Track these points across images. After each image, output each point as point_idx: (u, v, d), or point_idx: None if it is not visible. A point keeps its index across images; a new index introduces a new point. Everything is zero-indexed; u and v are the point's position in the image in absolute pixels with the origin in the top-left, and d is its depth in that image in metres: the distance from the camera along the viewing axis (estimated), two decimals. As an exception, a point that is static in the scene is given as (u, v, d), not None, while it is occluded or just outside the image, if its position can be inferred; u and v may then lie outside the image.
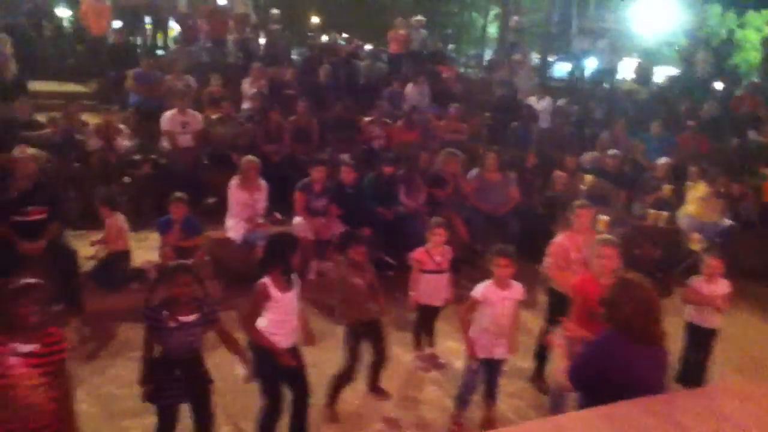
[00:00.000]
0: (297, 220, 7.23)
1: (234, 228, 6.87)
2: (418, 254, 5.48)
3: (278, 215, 7.30)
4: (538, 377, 5.50)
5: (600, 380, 3.12)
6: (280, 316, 4.11)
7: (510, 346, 4.69)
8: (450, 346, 6.03)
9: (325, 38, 14.46)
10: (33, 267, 5.82)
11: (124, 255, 6.46)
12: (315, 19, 27.79)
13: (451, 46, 25.95)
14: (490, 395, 4.80)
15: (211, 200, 7.77)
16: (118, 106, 10.06)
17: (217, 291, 6.59)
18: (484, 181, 7.81)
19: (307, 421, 4.40)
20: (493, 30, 35.66)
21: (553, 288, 5.28)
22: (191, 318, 3.81)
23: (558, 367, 4.44)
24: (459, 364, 5.74)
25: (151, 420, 4.06)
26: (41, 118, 8.25)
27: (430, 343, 5.88)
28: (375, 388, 5.15)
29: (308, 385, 4.39)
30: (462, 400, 4.78)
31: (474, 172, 7.95)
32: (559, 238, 5.25)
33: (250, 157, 6.89)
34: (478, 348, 4.59)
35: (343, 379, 4.82)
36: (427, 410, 5.09)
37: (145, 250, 6.92)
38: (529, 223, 8.05)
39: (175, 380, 3.86)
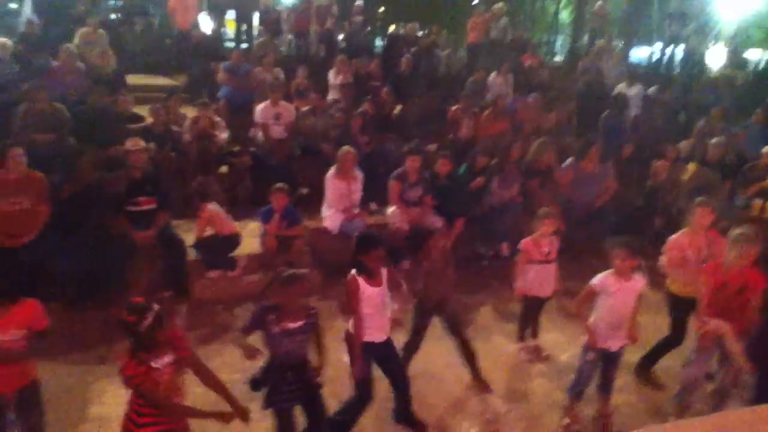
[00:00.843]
0: (391, 209, 7.24)
1: (330, 218, 6.94)
2: (525, 244, 5.40)
3: (374, 205, 7.31)
4: (645, 371, 5.34)
5: None
6: (370, 310, 4.13)
7: (630, 336, 4.55)
8: (553, 338, 5.94)
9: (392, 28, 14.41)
10: (145, 255, 6.12)
11: (234, 238, 6.58)
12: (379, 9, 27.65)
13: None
14: (605, 388, 4.68)
15: (304, 191, 7.87)
16: (206, 98, 10.33)
17: (317, 280, 6.71)
18: (580, 171, 7.61)
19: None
20: (564, 15, 34.88)
21: (669, 287, 5.11)
22: (298, 324, 3.79)
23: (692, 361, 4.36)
24: (564, 356, 5.69)
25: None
26: (136, 110, 8.55)
27: (533, 335, 5.80)
28: (478, 380, 5.15)
29: (405, 377, 4.48)
30: (576, 393, 4.68)
31: (569, 162, 7.75)
32: (678, 237, 5.05)
33: (347, 147, 6.93)
34: (596, 338, 4.48)
35: (408, 351, 4.91)
36: (536, 403, 5.02)
37: (247, 238, 7.07)
38: (626, 215, 7.82)
39: (289, 383, 3.87)
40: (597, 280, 4.47)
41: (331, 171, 6.93)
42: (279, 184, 6.49)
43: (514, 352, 5.74)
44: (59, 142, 7.16)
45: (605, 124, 9.36)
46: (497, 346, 5.82)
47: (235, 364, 5.25)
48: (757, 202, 7.81)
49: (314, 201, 7.58)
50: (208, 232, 6.41)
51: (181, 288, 6.24)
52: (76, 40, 9.76)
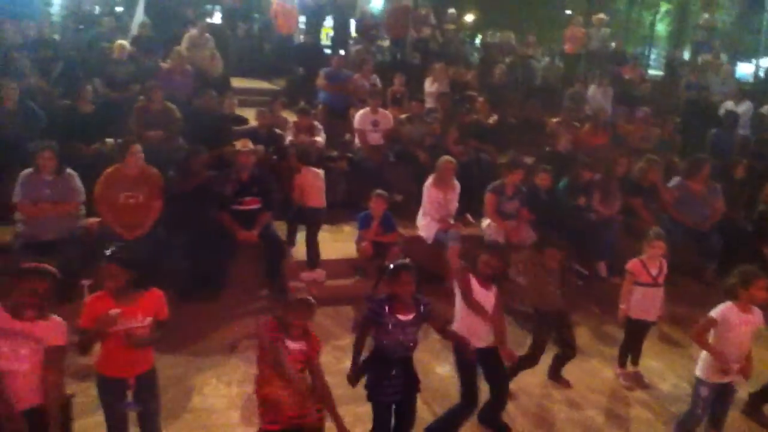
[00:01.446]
0: (486, 222, 7.17)
1: (426, 227, 6.94)
2: (633, 265, 5.23)
3: (469, 217, 7.27)
4: (755, 409, 5.05)
5: None
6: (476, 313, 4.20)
7: (744, 372, 4.32)
8: (653, 366, 5.71)
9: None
10: (247, 254, 6.31)
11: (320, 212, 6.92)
12: (469, 17, 27.48)
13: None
14: (716, 425, 4.45)
15: (398, 197, 7.90)
16: (303, 103, 10.59)
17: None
18: (688, 191, 7.30)
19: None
20: (661, 28, 33.67)
21: None
22: (409, 317, 3.84)
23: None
24: (664, 385, 5.48)
25: (361, 409, 4.19)
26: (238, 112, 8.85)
27: (634, 362, 5.57)
28: (556, 377, 5.11)
29: (507, 387, 4.45)
30: (683, 427, 4.47)
31: (676, 181, 7.45)
32: None
33: (447, 157, 6.92)
34: (710, 372, 4.27)
35: (526, 362, 4.90)
36: (636, 430, 4.82)
37: (341, 242, 7.18)
38: (733, 239, 7.44)
39: (392, 378, 3.88)
40: (718, 311, 4.27)
41: (429, 180, 6.94)
42: (378, 191, 6.56)
43: (612, 377, 5.54)
44: (169, 141, 7.49)
45: (714, 142, 8.95)
46: (594, 369, 5.64)
47: (332, 365, 5.36)
48: None
49: (407, 208, 7.60)
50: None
51: (278, 287, 6.38)
52: (184, 42, 10.19)
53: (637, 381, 5.48)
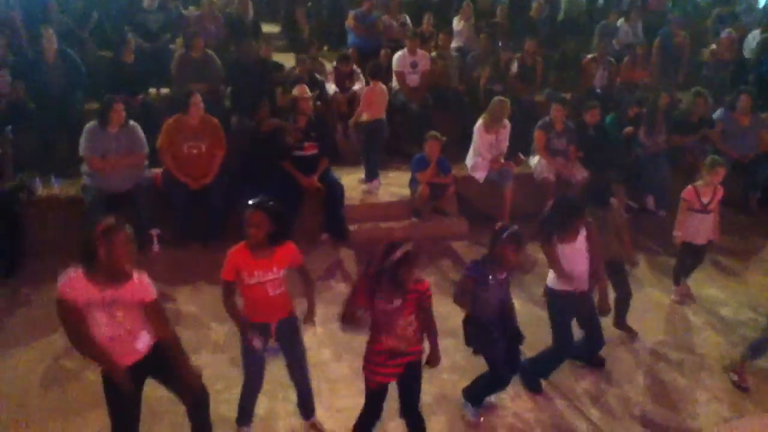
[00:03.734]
0: (536, 159, 7.25)
1: (478, 167, 7.01)
2: (687, 193, 5.39)
3: (521, 155, 7.35)
4: None
5: None
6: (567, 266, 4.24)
7: None
8: (712, 294, 5.91)
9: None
10: (309, 198, 6.40)
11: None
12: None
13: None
14: None
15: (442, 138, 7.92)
16: (327, 46, 10.51)
17: (464, 227, 6.87)
18: (733, 123, 7.36)
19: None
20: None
21: None
22: (505, 275, 3.91)
23: None
24: (724, 311, 5.67)
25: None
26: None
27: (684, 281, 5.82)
28: (622, 325, 5.19)
29: (600, 331, 4.51)
30: (755, 350, 4.64)
31: (720, 113, 7.51)
32: None
33: (499, 98, 6.93)
34: None
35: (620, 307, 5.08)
36: (707, 356, 5.02)
37: (392, 186, 7.26)
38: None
39: (495, 329, 3.97)
40: None
41: (480, 121, 6.97)
42: (433, 133, 6.61)
43: (671, 304, 5.74)
44: (213, 90, 7.48)
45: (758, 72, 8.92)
46: (654, 298, 5.83)
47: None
48: None
49: (450, 148, 7.63)
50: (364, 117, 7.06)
51: (339, 232, 6.50)
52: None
53: (688, 294, 5.75)
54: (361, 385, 4.40)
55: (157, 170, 6.13)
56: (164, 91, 7.71)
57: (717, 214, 5.49)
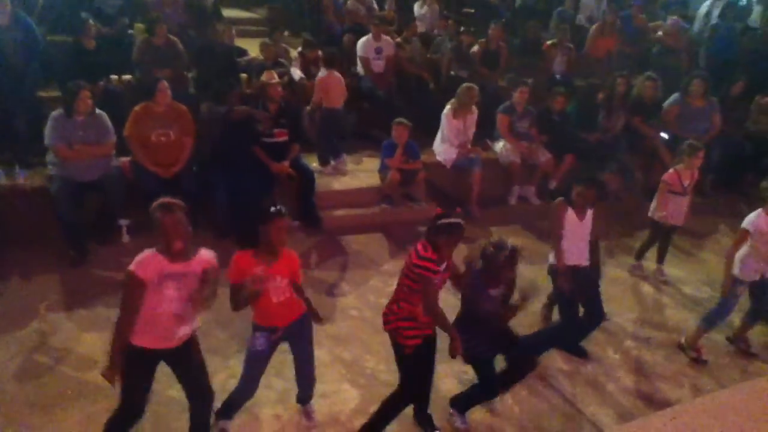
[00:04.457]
0: (500, 144, 7.39)
1: (446, 153, 7.11)
2: (669, 176, 5.62)
3: (489, 142, 7.46)
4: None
5: None
6: (570, 237, 4.49)
7: None
8: (674, 274, 6.18)
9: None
10: (280, 185, 6.39)
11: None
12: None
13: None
14: (755, 317, 4.94)
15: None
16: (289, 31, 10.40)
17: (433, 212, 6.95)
18: (688, 107, 7.65)
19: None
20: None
21: None
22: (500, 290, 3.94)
23: None
24: (687, 289, 5.94)
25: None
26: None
27: (659, 260, 6.14)
28: None
29: (601, 307, 4.70)
30: (709, 322, 4.89)
31: (675, 97, 7.78)
32: None
33: (468, 84, 7.02)
34: (745, 272, 4.68)
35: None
36: (674, 332, 5.27)
37: (362, 172, 7.31)
38: (731, 153, 7.90)
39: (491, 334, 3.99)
40: (749, 223, 4.64)
41: (448, 107, 7.06)
42: (400, 119, 6.68)
43: (636, 283, 5.99)
44: (177, 76, 7.34)
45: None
46: (619, 277, 6.06)
47: (381, 288, 5.62)
48: None
49: (416, 134, 7.70)
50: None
51: (312, 218, 6.51)
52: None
53: (660, 275, 6.06)
54: (342, 371, 4.54)
55: (125, 159, 6.01)
56: (126, 77, 7.51)
57: (691, 196, 5.75)
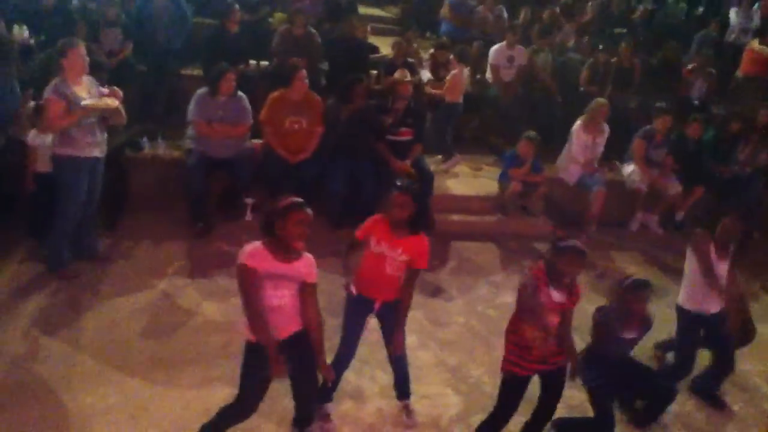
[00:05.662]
0: (630, 168, 7.11)
1: (570, 169, 6.94)
2: None
3: (617, 163, 7.23)
4: None
5: None
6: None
7: None
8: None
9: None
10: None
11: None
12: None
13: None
14: None
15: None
16: (417, 31, 10.45)
17: (548, 228, 6.80)
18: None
19: None
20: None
21: None
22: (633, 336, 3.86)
23: None
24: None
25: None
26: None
27: None
28: None
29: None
30: None
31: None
32: None
33: (601, 100, 6.84)
34: None
35: None
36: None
37: (481, 179, 7.27)
38: None
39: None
40: None
41: (579, 122, 6.88)
42: (531, 133, 6.60)
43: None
44: (312, 67, 7.56)
45: None
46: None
47: (490, 298, 5.57)
48: None
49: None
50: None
51: (425, 220, 6.50)
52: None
53: None
54: (446, 375, 4.52)
55: (257, 141, 6.26)
56: (263, 63, 7.83)
57: None
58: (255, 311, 3.14)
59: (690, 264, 4.37)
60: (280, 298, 3.21)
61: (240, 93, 6.05)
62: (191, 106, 5.92)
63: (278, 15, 8.77)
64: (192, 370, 4.19)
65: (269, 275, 3.14)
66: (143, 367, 4.17)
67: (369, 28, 8.69)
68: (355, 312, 3.80)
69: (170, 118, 6.91)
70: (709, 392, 4.58)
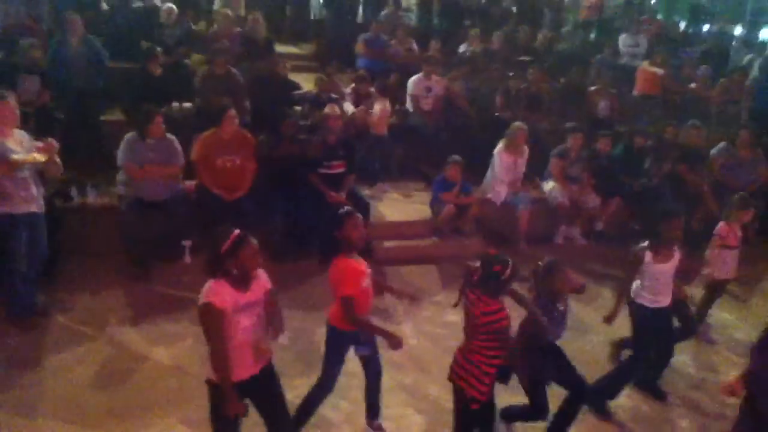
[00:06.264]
0: (551, 185, 7.53)
1: (496, 190, 7.26)
2: (722, 230, 5.54)
3: (538, 180, 7.62)
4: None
5: None
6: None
7: None
8: (725, 318, 6.24)
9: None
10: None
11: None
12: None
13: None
14: None
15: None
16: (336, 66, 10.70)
17: (479, 247, 7.06)
18: (734, 157, 7.77)
19: None
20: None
21: None
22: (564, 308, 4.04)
23: None
24: (738, 334, 5.95)
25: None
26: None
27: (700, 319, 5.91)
28: None
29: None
30: None
31: (722, 146, 7.90)
32: None
33: (519, 123, 7.23)
34: None
35: None
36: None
37: (412, 204, 7.49)
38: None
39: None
40: None
41: (500, 145, 7.23)
42: (456, 157, 6.91)
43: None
44: (236, 105, 7.58)
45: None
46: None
47: (435, 318, 5.73)
48: None
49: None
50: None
51: (365, 249, 6.62)
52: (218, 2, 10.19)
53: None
54: (405, 396, 4.61)
55: (190, 182, 6.21)
56: (186, 104, 7.79)
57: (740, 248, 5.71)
58: (222, 351, 3.11)
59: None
60: (255, 330, 3.24)
61: (169, 135, 6.01)
62: (121, 151, 5.83)
63: (196, 56, 8.76)
64: (149, 418, 4.10)
65: (239, 308, 3.14)
66: (99, 420, 4.05)
67: (288, 65, 8.80)
68: (342, 345, 3.87)
69: (95, 165, 6.74)
70: (649, 383, 4.88)
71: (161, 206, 5.92)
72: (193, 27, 9.79)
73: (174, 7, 9.30)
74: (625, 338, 5.05)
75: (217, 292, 3.12)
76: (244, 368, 3.24)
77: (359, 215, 3.80)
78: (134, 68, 7.72)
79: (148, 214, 5.88)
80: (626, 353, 5.02)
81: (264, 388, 3.37)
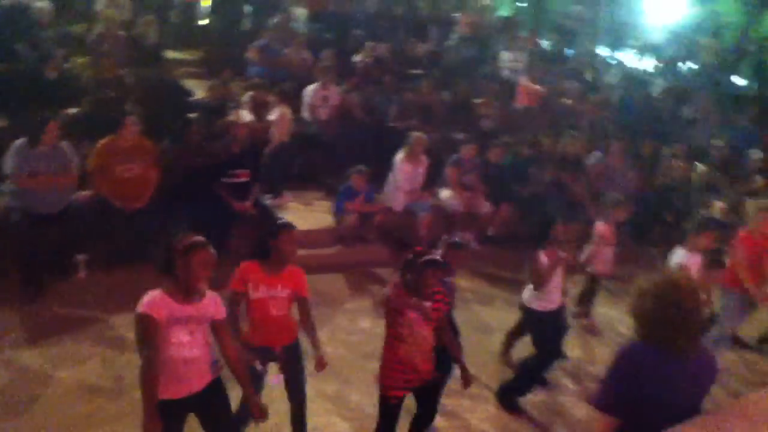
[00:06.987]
0: (446, 193, 7.84)
1: (396, 197, 7.46)
2: (604, 229, 6.12)
3: (437, 188, 7.91)
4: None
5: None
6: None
7: None
8: (610, 314, 6.77)
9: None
10: (243, 224, 6.44)
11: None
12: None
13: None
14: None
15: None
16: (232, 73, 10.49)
17: (386, 254, 7.23)
18: (609, 166, 8.48)
19: None
20: None
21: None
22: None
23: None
24: (622, 327, 6.51)
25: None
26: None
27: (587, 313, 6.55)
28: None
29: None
30: None
31: (598, 156, 8.60)
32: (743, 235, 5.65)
33: (419, 134, 7.47)
34: None
35: None
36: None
37: (315, 213, 7.52)
38: (642, 207, 8.76)
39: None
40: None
41: (401, 154, 7.44)
42: (361, 167, 7.04)
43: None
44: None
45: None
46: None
47: (348, 326, 5.81)
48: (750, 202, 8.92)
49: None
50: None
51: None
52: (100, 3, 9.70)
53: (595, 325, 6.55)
54: (328, 405, 4.65)
55: (85, 192, 5.87)
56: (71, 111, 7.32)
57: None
58: (149, 363, 2.99)
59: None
60: (192, 347, 3.11)
61: (63, 142, 5.66)
62: (8, 159, 5.42)
63: (80, 60, 8.26)
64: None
65: (175, 320, 3.04)
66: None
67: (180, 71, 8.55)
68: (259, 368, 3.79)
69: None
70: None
71: (53, 219, 5.56)
72: (68, 29, 9.24)
73: (47, 6, 8.69)
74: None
75: (150, 302, 3.03)
76: (179, 385, 3.13)
77: (295, 230, 3.75)
78: (17, 70, 7.14)
79: (39, 227, 5.49)
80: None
81: (207, 406, 3.27)
